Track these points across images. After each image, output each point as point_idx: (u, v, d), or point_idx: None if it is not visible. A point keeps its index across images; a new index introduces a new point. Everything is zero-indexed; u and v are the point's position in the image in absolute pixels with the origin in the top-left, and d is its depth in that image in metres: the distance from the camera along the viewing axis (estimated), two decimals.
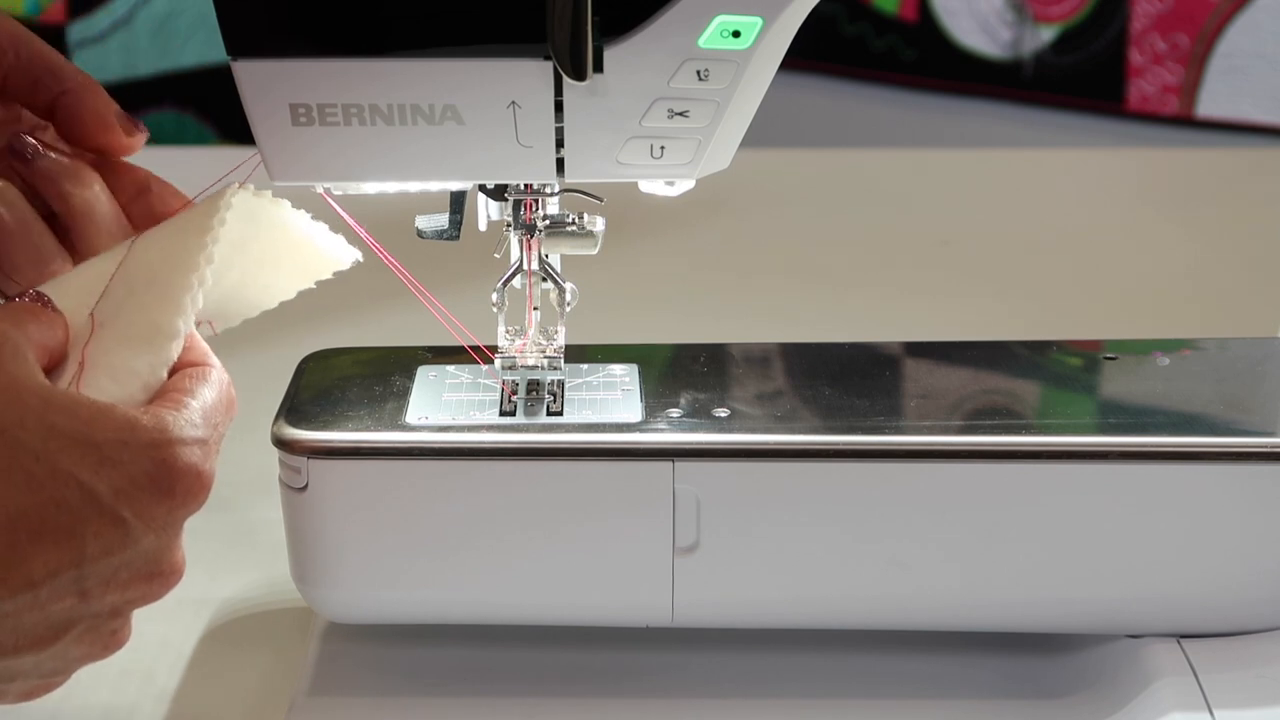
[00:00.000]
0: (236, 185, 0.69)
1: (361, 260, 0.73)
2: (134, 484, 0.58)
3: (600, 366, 0.75)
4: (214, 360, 0.65)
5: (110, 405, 0.59)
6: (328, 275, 0.73)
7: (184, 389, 0.62)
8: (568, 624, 0.73)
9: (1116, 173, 1.54)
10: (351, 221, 0.72)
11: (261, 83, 0.66)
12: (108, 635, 0.60)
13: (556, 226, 0.72)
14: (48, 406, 0.57)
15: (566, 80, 0.65)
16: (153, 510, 0.58)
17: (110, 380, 0.62)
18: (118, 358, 0.63)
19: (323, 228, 0.72)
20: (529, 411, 0.71)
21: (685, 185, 0.70)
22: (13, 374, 0.58)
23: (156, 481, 0.58)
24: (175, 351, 0.64)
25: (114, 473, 0.58)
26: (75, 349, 0.63)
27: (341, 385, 0.73)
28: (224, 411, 0.63)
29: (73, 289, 0.65)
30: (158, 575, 0.60)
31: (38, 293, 0.64)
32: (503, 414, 0.71)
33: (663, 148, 0.68)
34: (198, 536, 0.65)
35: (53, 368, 0.62)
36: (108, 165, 0.69)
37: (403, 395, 0.72)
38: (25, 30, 0.69)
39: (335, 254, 0.72)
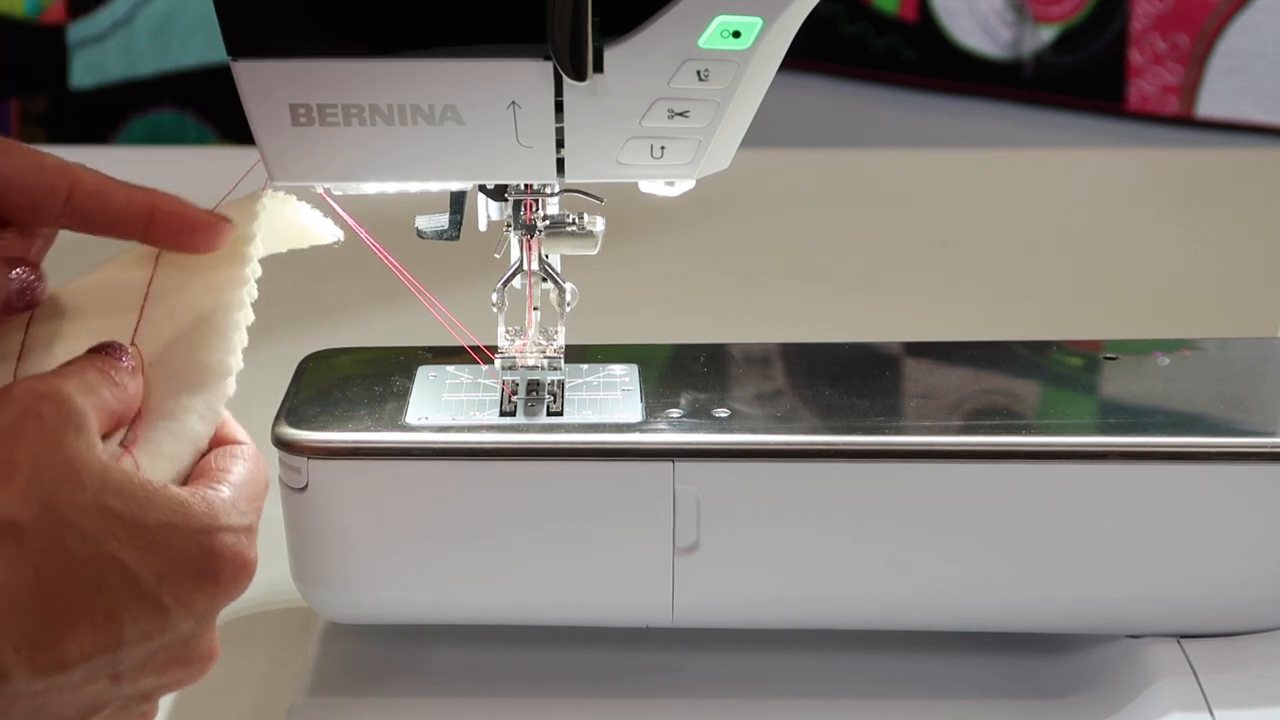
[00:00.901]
0: (261, 193, 0.69)
1: (342, 239, 0.72)
2: (179, 570, 0.58)
3: (600, 366, 0.75)
4: (244, 435, 0.65)
5: (163, 486, 0.59)
6: (305, 246, 0.72)
7: (224, 468, 0.62)
8: (568, 624, 0.73)
9: (1116, 173, 1.54)
10: (352, 221, 0.72)
11: (261, 83, 0.66)
12: (137, 716, 0.60)
13: (556, 226, 0.72)
14: (104, 486, 0.57)
15: (566, 80, 0.65)
16: (195, 596, 0.58)
17: (166, 421, 0.63)
18: (172, 401, 0.63)
19: (316, 214, 0.72)
20: (529, 412, 0.71)
21: (685, 185, 0.70)
22: (73, 449, 0.57)
23: (202, 568, 0.58)
24: (230, 388, 0.64)
25: (159, 558, 0.57)
26: None
27: (341, 385, 0.73)
28: (262, 493, 0.63)
29: (100, 300, 0.65)
30: (195, 661, 0.60)
31: (120, 347, 0.63)
32: (503, 414, 0.71)
33: (663, 148, 0.68)
34: None
35: (117, 429, 0.62)
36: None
37: (403, 395, 0.72)
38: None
39: (318, 230, 0.72)
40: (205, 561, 0.58)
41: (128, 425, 0.62)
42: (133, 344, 0.64)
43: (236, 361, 0.65)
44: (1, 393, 0.58)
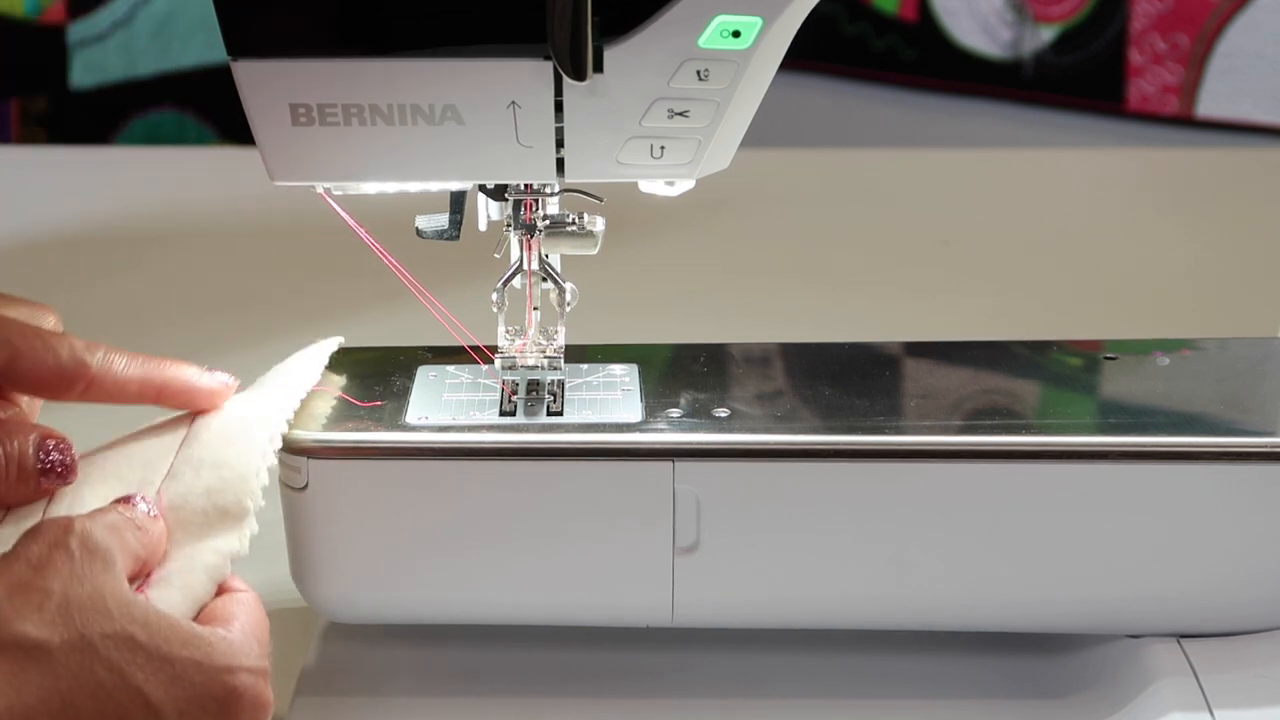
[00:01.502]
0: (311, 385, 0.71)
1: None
2: (200, 707, 0.59)
3: (600, 366, 0.75)
4: (244, 584, 0.65)
5: (187, 622, 0.60)
6: None
7: (232, 613, 0.63)
8: (568, 624, 0.73)
9: (1116, 173, 1.54)
10: (352, 222, 0.72)
11: (261, 83, 0.66)
12: None
13: (556, 226, 0.72)
14: (130, 618, 0.58)
15: (566, 80, 0.65)
16: None
17: (182, 558, 0.64)
18: (189, 542, 0.64)
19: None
20: (529, 411, 0.71)
21: (685, 185, 0.70)
22: (101, 584, 0.58)
23: (223, 706, 0.59)
24: (251, 526, 0.65)
25: (182, 693, 0.58)
26: None
27: (341, 385, 0.73)
28: (267, 638, 0.63)
29: (138, 463, 0.67)
30: None
31: (143, 497, 0.64)
32: (503, 414, 0.71)
33: (663, 148, 0.68)
34: None
35: (141, 576, 0.63)
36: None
37: (403, 395, 0.72)
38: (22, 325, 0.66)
39: None
40: (226, 700, 0.59)
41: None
42: (157, 493, 0.65)
43: (256, 501, 0.66)
44: (31, 529, 0.60)
